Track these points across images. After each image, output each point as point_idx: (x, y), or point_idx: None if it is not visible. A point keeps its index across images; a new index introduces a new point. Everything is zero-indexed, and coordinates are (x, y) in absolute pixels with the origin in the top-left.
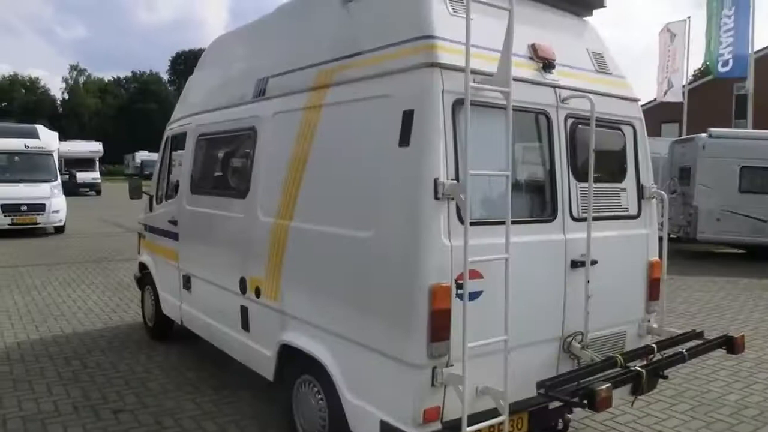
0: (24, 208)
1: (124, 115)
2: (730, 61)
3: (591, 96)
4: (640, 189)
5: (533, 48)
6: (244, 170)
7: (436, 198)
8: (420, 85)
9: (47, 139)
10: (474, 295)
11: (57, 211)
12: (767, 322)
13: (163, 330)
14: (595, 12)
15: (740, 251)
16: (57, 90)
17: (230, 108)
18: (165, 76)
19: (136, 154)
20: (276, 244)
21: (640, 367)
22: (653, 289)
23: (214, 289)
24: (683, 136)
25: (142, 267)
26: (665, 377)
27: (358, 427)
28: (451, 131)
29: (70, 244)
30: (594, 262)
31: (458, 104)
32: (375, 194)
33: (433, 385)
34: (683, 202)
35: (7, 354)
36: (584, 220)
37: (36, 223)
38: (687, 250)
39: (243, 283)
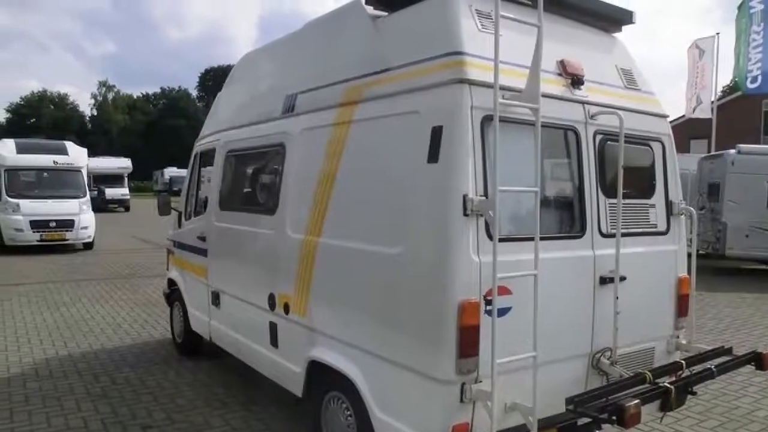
0: (53, 224)
1: (152, 132)
2: (759, 77)
3: (620, 112)
4: (668, 205)
5: (562, 64)
6: (273, 186)
7: (465, 214)
8: (449, 101)
9: (76, 155)
10: (503, 311)
11: (86, 228)
12: None
13: (191, 346)
14: (624, 28)
15: None
16: (86, 106)
17: (259, 124)
18: (194, 93)
19: (165, 170)
20: (305, 260)
21: (668, 383)
22: (682, 305)
23: (243, 306)
24: (712, 152)
25: (171, 283)
26: (694, 393)
27: None
28: (479, 147)
29: (98, 261)
30: (623, 278)
31: (487, 120)
32: (403, 210)
33: (461, 401)
34: (712, 218)
35: (35, 370)
36: (613, 236)
37: (65, 240)
38: (715, 267)
39: (272, 299)
